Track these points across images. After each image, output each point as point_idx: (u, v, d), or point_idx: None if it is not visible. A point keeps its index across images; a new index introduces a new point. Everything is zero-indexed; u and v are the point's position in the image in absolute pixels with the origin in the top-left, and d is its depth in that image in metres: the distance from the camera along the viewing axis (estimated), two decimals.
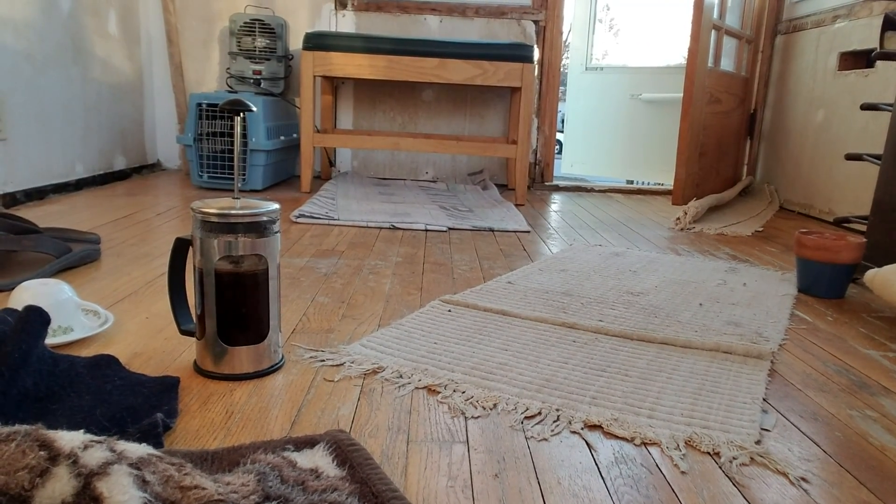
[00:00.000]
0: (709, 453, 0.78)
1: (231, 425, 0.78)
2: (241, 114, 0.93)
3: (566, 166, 4.28)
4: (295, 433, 0.77)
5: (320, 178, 3.13)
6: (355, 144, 2.67)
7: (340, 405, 0.85)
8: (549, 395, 0.90)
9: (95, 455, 0.50)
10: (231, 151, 2.55)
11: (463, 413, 0.85)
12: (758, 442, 0.81)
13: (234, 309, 0.90)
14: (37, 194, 2.17)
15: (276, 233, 0.92)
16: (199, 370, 0.92)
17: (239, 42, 2.83)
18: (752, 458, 0.77)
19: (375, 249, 1.76)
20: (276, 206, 0.91)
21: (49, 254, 1.36)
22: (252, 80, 2.84)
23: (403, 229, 2.06)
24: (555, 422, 0.83)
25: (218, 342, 0.90)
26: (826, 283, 1.51)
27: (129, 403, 0.78)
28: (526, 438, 0.79)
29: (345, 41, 2.56)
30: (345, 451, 0.69)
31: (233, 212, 0.87)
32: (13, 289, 1.03)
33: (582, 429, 0.82)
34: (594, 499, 0.68)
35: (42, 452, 0.48)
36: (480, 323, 1.18)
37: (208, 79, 3.08)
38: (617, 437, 0.81)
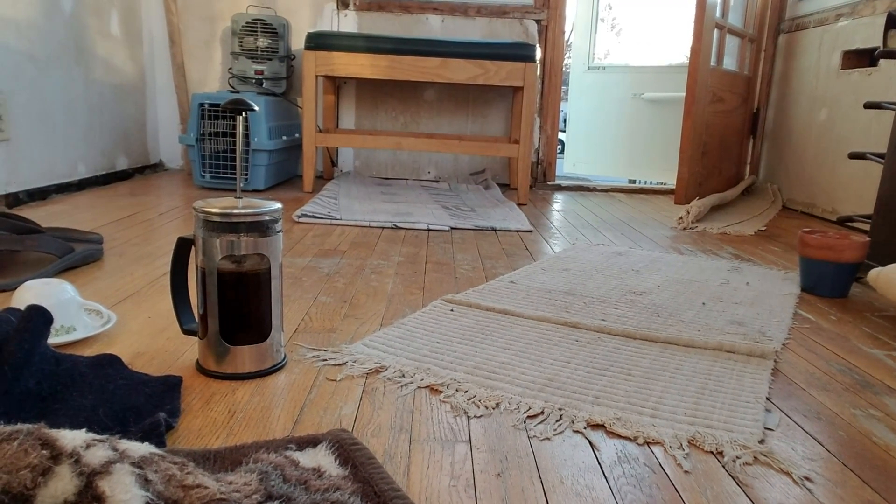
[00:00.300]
0: (712, 452, 0.78)
1: (233, 425, 0.78)
2: (244, 113, 0.93)
3: (568, 166, 4.28)
4: (297, 432, 0.77)
5: (322, 178, 3.13)
6: (357, 144, 2.67)
7: (343, 404, 0.85)
8: (552, 395, 0.90)
9: (98, 454, 0.50)
10: (233, 151, 2.55)
11: (465, 412, 0.85)
12: (761, 441, 0.80)
13: (236, 308, 0.90)
14: (39, 194, 2.17)
15: (279, 232, 0.92)
16: (201, 370, 0.92)
17: (241, 42, 2.83)
18: (755, 458, 0.77)
19: (378, 249, 1.76)
20: (278, 205, 0.91)
21: (52, 254, 1.36)
22: (254, 80, 2.84)
23: (406, 229, 2.06)
24: (557, 421, 0.83)
25: (220, 342, 0.90)
26: (829, 283, 1.51)
27: (132, 403, 0.79)
28: (528, 438, 0.79)
29: (347, 41, 2.56)
30: (347, 450, 0.69)
31: (235, 211, 0.87)
32: (16, 288, 1.03)
33: (585, 428, 0.82)
34: (597, 498, 0.67)
35: (44, 451, 0.48)
36: (483, 322, 1.18)
37: (210, 79, 3.08)
38: (620, 436, 0.81)
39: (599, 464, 0.74)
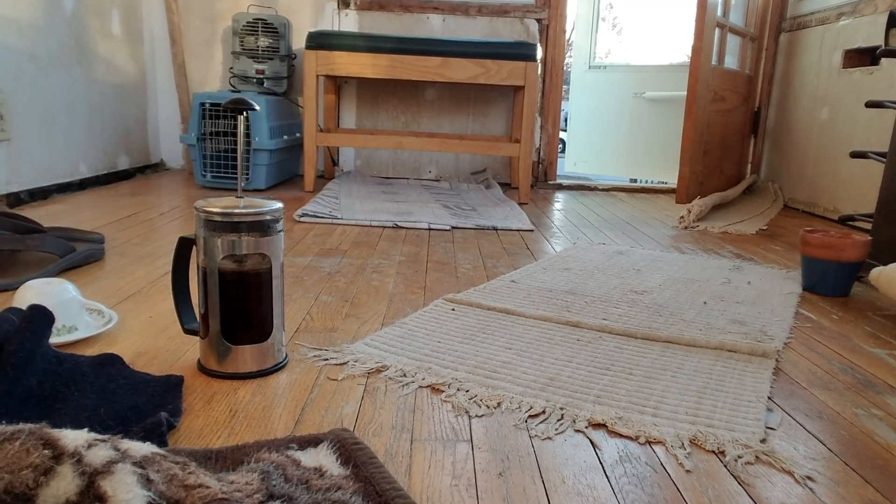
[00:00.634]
0: (713, 452, 0.78)
1: (235, 424, 0.78)
2: (245, 113, 0.93)
3: (569, 165, 4.28)
4: (299, 432, 0.77)
5: (323, 178, 3.13)
6: (358, 143, 2.67)
7: (344, 404, 0.85)
8: (553, 394, 0.90)
9: (99, 454, 0.50)
10: (234, 151, 2.55)
11: (467, 412, 0.85)
12: (763, 440, 0.80)
13: (237, 308, 0.90)
14: (41, 194, 2.17)
15: (280, 232, 0.92)
16: (202, 369, 0.92)
17: (242, 41, 2.83)
18: (757, 457, 0.77)
19: (379, 248, 1.76)
20: (279, 205, 0.91)
21: (53, 253, 1.36)
22: (255, 80, 2.84)
23: (407, 228, 2.06)
24: (559, 420, 0.83)
25: (222, 341, 0.90)
26: (831, 282, 1.51)
27: (134, 402, 0.79)
28: (530, 437, 0.79)
29: (348, 40, 2.56)
30: (348, 449, 0.69)
31: (236, 211, 0.87)
32: (17, 288, 1.03)
33: (586, 427, 0.82)
34: (599, 497, 0.67)
35: (46, 451, 0.48)
36: (484, 322, 1.18)
37: (211, 78, 3.09)
38: (621, 435, 0.81)
39: (601, 463, 0.74)
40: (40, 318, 0.81)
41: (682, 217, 2.38)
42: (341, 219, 2.08)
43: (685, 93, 2.74)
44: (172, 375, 0.87)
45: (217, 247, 0.87)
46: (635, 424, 0.82)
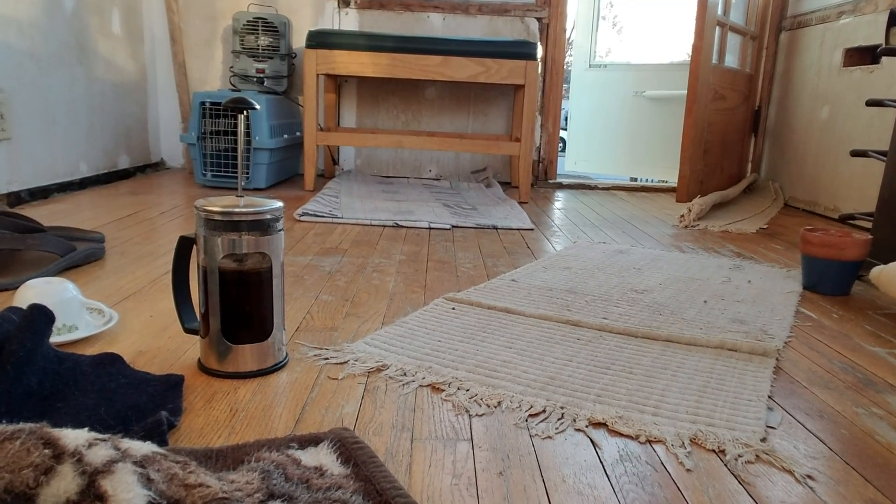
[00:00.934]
0: (714, 451, 0.78)
1: (235, 423, 0.78)
2: (245, 112, 0.93)
3: (570, 164, 4.27)
4: (299, 431, 0.77)
5: (323, 177, 3.13)
6: (359, 143, 2.67)
7: (344, 403, 0.85)
8: (554, 393, 0.90)
9: (100, 453, 0.50)
10: (234, 150, 2.55)
11: (467, 411, 0.85)
12: (763, 439, 0.80)
13: (237, 307, 0.90)
14: (41, 193, 2.17)
15: (280, 231, 0.92)
16: (203, 368, 0.92)
17: (242, 40, 2.83)
18: (757, 456, 0.77)
19: (379, 247, 1.76)
20: (279, 204, 0.91)
21: (53, 252, 1.36)
22: (255, 79, 2.84)
23: (407, 227, 2.06)
24: (559, 419, 0.83)
25: (222, 340, 0.90)
26: (832, 281, 1.50)
27: (134, 402, 0.79)
28: (530, 436, 0.79)
29: (348, 39, 2.56)
30: (349, 449, 0.69)
31: (236, 210, 0.87)
32: (18, 287, 1.03)
33: (586, 426, 0.82)
34: (599, 496, 0.67)
35: (46, 450, 0.48)
36: (484, 321, 1.18)
37: (211, 77, 3.08)
38: (622, 434, 0.81)
39: (601, 462, 0.74)
40: (41, 317, 0.81)
41: (682, 216, 2.37)
42: (342, 218, 2.08)
43: (685, 91, 2.74)
44: (173, 374, 0.87)
45: (217, 246, 0.87)
46: (636, 423, 0.82)
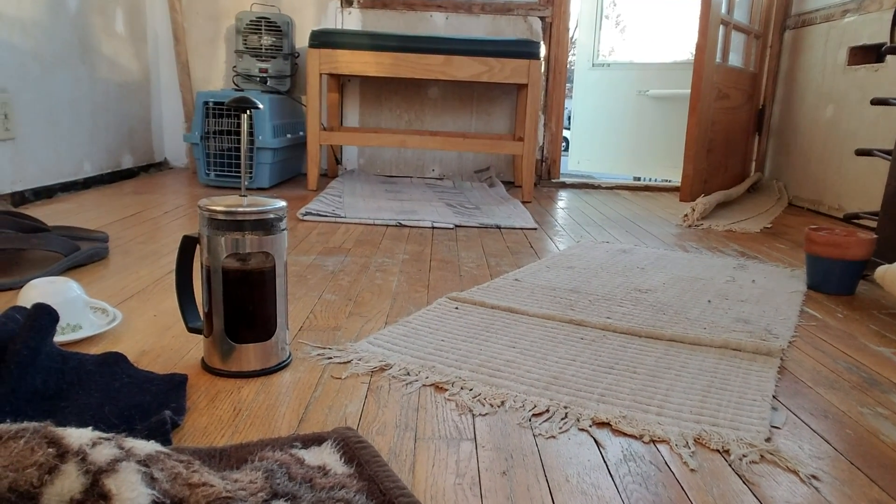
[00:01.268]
0: (718, 451, 0.77)
1: (239, 423, 0.78)
2: (248, 112, 0.93)
3: (573, 163, 4.27)
4: (302, 430, 0.77)
5: (327, 176, 3.13)
6: (362, 142, 2.67)
7: (348, 402, 0.85)
8: (557, 393, 0.90)
9: (104, 452, 0.50)
10: (237, 149, 2.55)
11: (471, 410, 0.85)
12: (768, 439, 0.80)
13: (241, 306, 0.90)
14: (45, 193, 2.18)
15: (283, 230, 0.92)
16: (206, 368, 0.92)
17: (245, 40, 2.83)
18: (762, 456, 0.76)
19: (382, 247, 1.75)
20: (282, 203, 0.91)
21: (57, 252, 1.36)
22: (258, 78, 2.84)
23: (410, 227, 2.05)
24: (563, 419, 0.83)
25: (225, 340, 0.90)
26: (836, 280, 1.50)
27: (138, 401, 0.79)
28: (534, 436, 0.79)
29: (351, 38, 2.56)
30: (352, 448, 0.69)
31: (240, 209, 0.87)
32: (22, 287, 1.03)
33: (590, 426, 0.82)
34: (603, 496, 0.67)
35: (51, 450, 0.48)
36: (488, 320, 1.18)
37: (215, 77, 3.09)
38: (625, 434, 0.80)
39: (605, 462, 0.74)
40: (45, 316, 0.81)
41: (685, 215, 2.37)
42: (345, 217, 2.08)
43: (689, 90, 2.73)
44: (176, 374, 0.87)
45: (221, 245, 0.87)
46: (639, 423, 0.82)
